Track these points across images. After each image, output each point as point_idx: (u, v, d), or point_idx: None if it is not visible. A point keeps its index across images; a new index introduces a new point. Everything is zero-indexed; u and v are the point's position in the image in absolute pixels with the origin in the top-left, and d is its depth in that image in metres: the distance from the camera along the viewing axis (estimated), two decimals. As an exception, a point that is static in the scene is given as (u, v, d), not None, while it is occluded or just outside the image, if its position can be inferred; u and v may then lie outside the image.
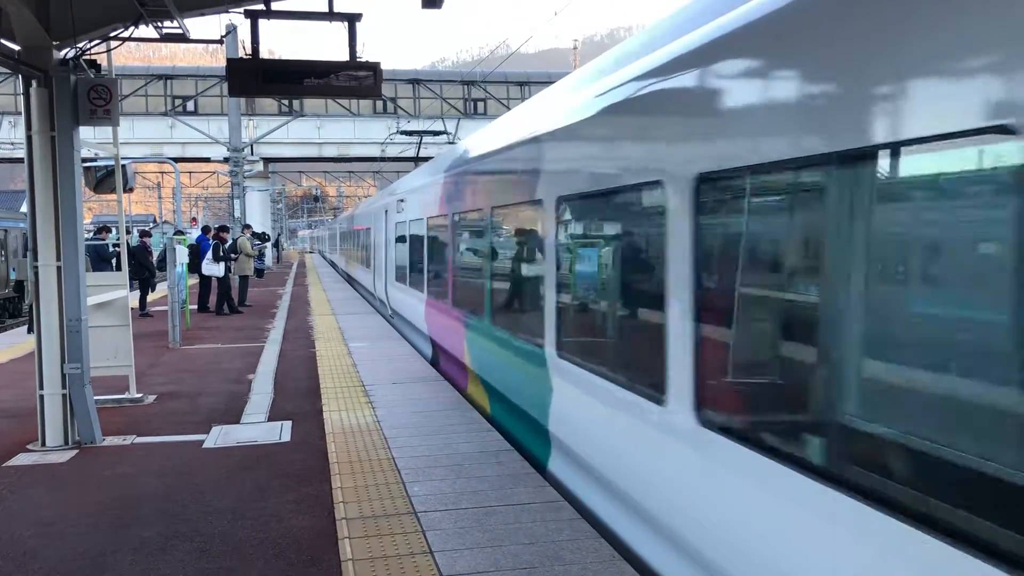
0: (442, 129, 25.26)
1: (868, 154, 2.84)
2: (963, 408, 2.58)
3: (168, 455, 7.18)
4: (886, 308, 2.88)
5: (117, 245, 10.05)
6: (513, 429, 7.57)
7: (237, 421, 8.41)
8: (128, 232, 18.77)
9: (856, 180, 2.95)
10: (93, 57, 7.77)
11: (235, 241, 21.37)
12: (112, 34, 7.78)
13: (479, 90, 48.61)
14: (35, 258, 7.39)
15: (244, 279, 21.19)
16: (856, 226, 2.96)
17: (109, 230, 20.76)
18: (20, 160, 8.41)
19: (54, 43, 7.38)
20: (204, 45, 8.70)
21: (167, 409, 9.05)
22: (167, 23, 7.86)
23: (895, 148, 2.75)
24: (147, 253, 20.07)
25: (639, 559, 4.64)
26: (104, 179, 9.42)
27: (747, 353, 3.71)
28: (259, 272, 32.46)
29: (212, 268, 19.28)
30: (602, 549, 4.72)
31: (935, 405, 2.68)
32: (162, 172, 64.43)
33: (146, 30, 7.84)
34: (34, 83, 7.29)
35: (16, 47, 7.30)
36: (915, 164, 2.74)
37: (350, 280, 31.44)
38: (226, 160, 38.75)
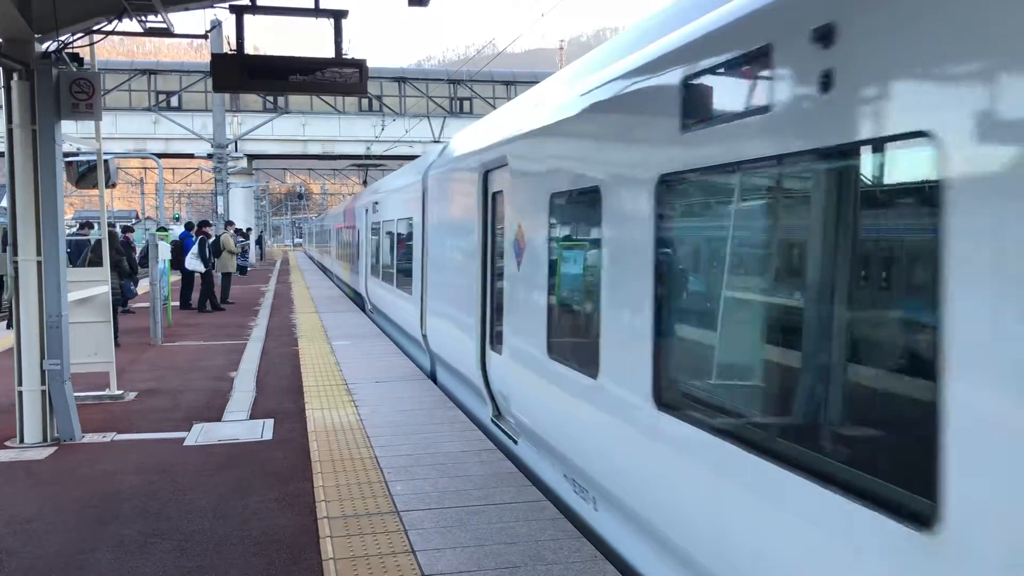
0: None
1: None
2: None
3: (148, 452, 7.13)
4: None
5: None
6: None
7: (219, 419, 8.37)
8: (111, 227, 18.64)
9: None
10: (76, 50, 7.70)
11: (218, 238, 21.26)
12: (95, 27, 7.72)
13: (465, 89, 48.56)
14: (15, 253, 7.33)
15: (227, 276, 21.09)
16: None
17: (92, 226, 20.58)
18: (0, 154, 8.33)
19: (36, 36, 7.31)
20: (189, 40, 8.72)
21: (148, 406, 8.99)
22: (151, 17, 7.80)
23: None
24: (130, 249, 19.89)
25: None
26: (86, 174, 9.35)
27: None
28: (242, 269, 32.28)
29: (195, 263, 19.15)
30: (584, 549, 4.73)
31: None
32: (145, 168, 64.06)
33: (130, 24, 7.80)
34: (15, 76, 7.22)
35: (-3, 39, 7.22)
36: None
37: (325, 270, 32.84)
38: (210, 156, 38.48)
